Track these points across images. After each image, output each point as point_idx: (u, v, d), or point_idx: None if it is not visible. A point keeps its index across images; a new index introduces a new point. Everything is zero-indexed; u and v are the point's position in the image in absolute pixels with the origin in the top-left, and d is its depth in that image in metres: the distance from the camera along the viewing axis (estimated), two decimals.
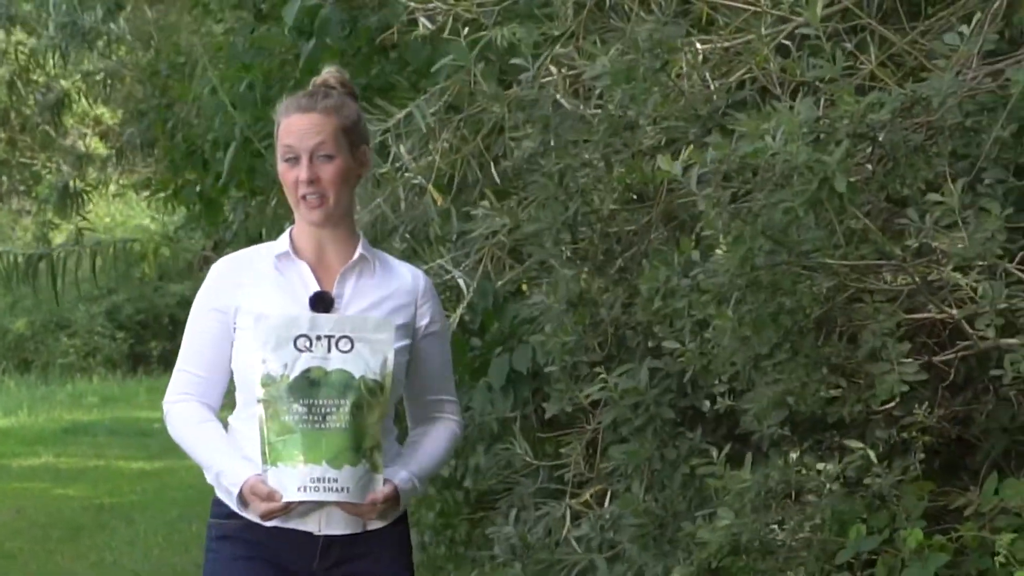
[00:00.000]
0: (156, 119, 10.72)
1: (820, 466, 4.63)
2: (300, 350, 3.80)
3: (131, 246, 10.01)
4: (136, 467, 15.80)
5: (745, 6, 4.64)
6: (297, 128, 3.90)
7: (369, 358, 3.82)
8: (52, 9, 10.30)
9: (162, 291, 28.30)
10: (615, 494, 5.48)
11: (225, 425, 4.00)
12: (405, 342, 3.95)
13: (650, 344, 5.19)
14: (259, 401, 3.79)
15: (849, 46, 4.36)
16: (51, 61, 12.48)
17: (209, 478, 3.96)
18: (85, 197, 14.73)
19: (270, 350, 3.80)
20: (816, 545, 4.65)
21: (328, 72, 4.05)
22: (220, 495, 3.95)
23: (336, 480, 3.74)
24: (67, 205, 13.29)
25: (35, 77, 18.80)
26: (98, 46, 10.65)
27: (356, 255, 3.97)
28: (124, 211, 29.25)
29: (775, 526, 4.66)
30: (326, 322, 3.83)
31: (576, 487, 5.67)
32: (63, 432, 19.73)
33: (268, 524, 3.85)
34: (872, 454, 4.57)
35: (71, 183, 13.33)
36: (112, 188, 27.12)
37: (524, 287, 5.29)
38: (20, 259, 8.90)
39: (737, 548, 4.74)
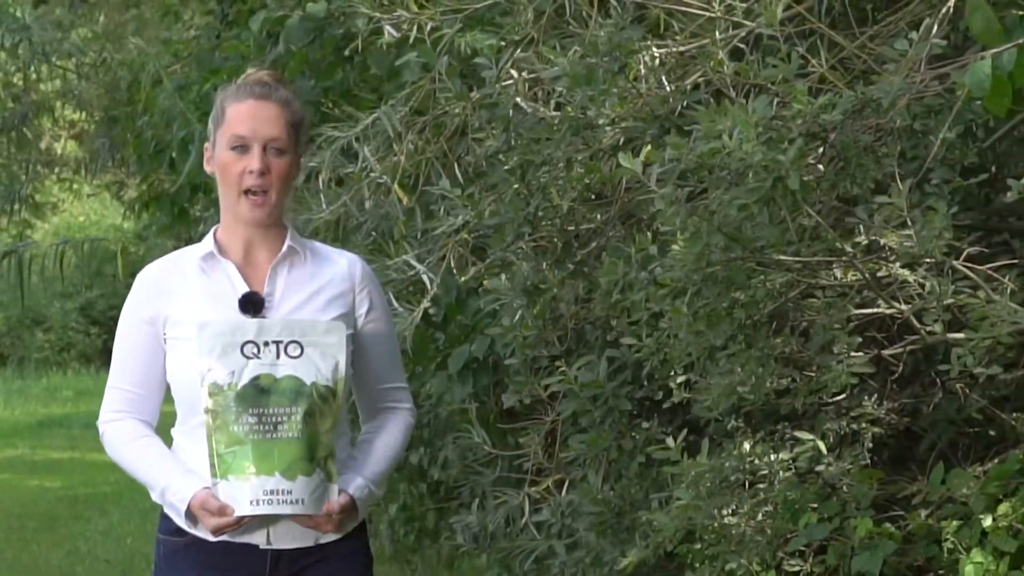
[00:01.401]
0: (126, 123, 10.65)
1: (772, 456, 4.61)
2: (248, 357, 3.51)
3: (101, 245, 9.94)
4: (110, 459, 15.68)
5: (699, 11, 4.62)
6: (252, 115, 3.61)
7: (320, 363, 3.55)
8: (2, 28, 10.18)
9: None
10: (573, 483, 5.46)
11: (168, 441, 3.72)
12: (347, 332, 3.64)
13: (608, 338, 5.18)
14: (206, 411, 3.50)
15: (800, 49, 4.33)
16: (16, 75, 12.40)
17: (154, 496, 3.70)
18: (32, 200, 14.64)
19: (216, 358, 3.51)
20: (769, 532, 4.63)
21: (264, 71, 3.76)
22: (167, 511, 3.69)
23: (290, 492, 3.48)
24: (12, 206, 13.18)
25: (14, 80, 18.70)
26: (52, 60, 10.56)
27: (284, 248, 3.67)
28: (99, 211, 29.13)
29: (729, 512, 4.64)
30: (273, 327, 3.55)
31: (535, 476, 5.65)
32: (38, 425, 19.67)
33: (216, 539, 3.58)
34: (822, 444, 4.56)
35: (22, 187, 13.24)
36: (86, 189, 27.05)
37: (486, 282, 5.25)
38: None
39: (692, 533, 4.73)
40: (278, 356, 3.53)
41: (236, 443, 3.49)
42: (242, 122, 3.61)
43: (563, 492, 5.48)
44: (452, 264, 5.31)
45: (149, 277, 3.72)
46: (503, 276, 5.13)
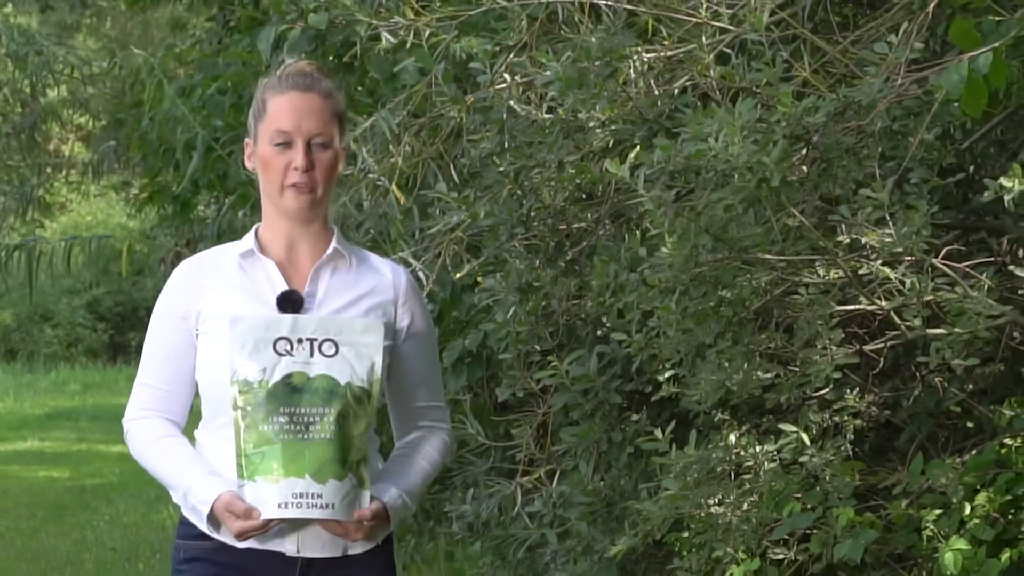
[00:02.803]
0: (132, 125, 10.64)
1: (758, 447, 4.60)
2: (280, 354, 3.24)
3: (107, 243, 9.92)
4: (116, 450, 15.68)
5: (687, 18, 4.62)
6: (295, 109, 3.33)
7: (355, 363, 3.27)
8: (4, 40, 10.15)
9: (140, 285, 28.10)
10: (564, 473, 5.46)
11: (192, 441, 3.44)
12: (386, 343, 3.35)
13: (599, 334, 5.18)
14: (234, 409, 3.23)
15: (784, 54, 4.33)
16: (24, 84, 12.36)
17: (176, 497, 3.39)
18: (44, 200, 14.61)
19: (247, 354, 3.24)
20: (754, 521, 4.63)
21: (303, 61, 3.48)
22: (187, 514, 3.39)
23: (320, 495, 3.19)
24: (27, 204, 13.16)
25: (20, 87, 18.67)
26: (60, 70, 10.53)
27: (329, 250, 3.40)
28: (105, 210, 29.09)
29: (715, 502, 4.63)
30: (308, 324, 3.28)
31: (527, 466, 5.64)
32: (47, 417, 19.63)
33: (242, 545, 3.29)
34: (806, 436, 4.55)
35: (31, 189, 13.22)
36: (93, 189, 27.01)
37: (480, 279, 5.25)
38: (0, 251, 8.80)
39: (680, 522, 4.72)
40: (312, 354, 3.27)
41: (265, 443, 3.21)
42: (285, 116, 3.34)
43: (554, 482, 5.48)
44: (447, 262, 5.30)
45: (184, 271, 3.45)
46: (497, 274, 5.12)
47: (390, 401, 3.54)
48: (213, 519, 3.29)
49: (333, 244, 3.42)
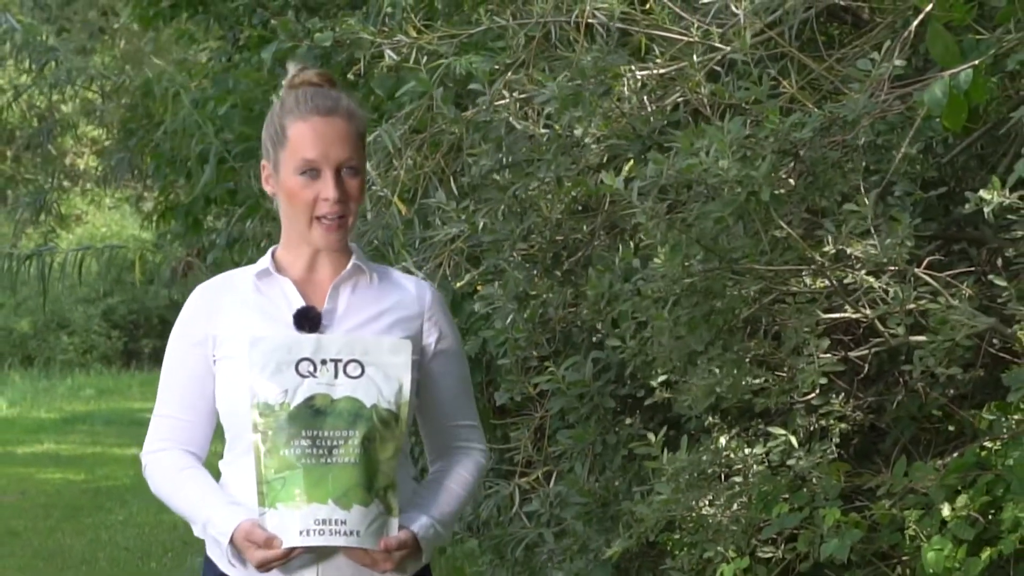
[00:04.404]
0: (144, 137, 10.62)
1: (747, 450, 4.60)
2: (303, 375, 2.98)
3: (120, 252, 9.92)
4: (129, 453, 15.69)
5: (678, 37, 4.62)
6: (320, 137, 3.03)
7: (382, 384, 3.01)
8: (27, 54, 10.13)
9: (153, 294, 28.12)
10: (561, 475, 5.45)
11: (216, 474, 3.18)
12: (413, 357, 3.09)
13: (594, 340, 5.17)
14: (255, 432, 2.97)
15: (772, 71, 4.33)
16: (40, 98, 12.34)
17: (196, 532, 3.13)
18: (57, 207, 14.59)
19: (268, 376, 2.98)
20: (743, 521, 4.62)
21: (312, 71, 3.16)
22: (210, 551, 3.12)
23: (344, 522, 2.92)
24: (39, 213, 13.16)
25: (36, 102, 18.67)
26: (76, 83, 10.50)
27: (349, 266, 3.14)
28: (119, 221, 29.09)
29: (706, 503, 4.62)
30: (332, 344, 3.02)
31: (525, 468, 5.63)
32: (63, 422, 19.60)
33: None
34: (794, 439, 4.55)
35: (45, 197, 13.22)
36: (108, 202, 27.02)
37: (479, 288, 5.25)
38: (14, 261, 8.80)
39: (672, 523, 4.72)
40: (336, 375, 3.00)
41: (286, 468, 2.94)
42: (310, 145, 3.04)
43: (551, 483, 5.46)
44: (448, 271, 5.29)
45: (199, 297, 3.19)
46: (496, 283, 5.12)
47: (421, 422, 3.28)
48: (235, 551, 3.02)
49: (353, 260, 3.15)
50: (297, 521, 2.92)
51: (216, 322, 3.12)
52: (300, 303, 3.10)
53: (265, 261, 3.17)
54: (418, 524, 3.05)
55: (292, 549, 2.94)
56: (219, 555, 3.07)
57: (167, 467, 3.17)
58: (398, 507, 3.01)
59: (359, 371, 3.02)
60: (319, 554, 2.99)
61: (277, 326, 3.08)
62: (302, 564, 3.00)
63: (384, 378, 3.02)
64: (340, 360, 3.02)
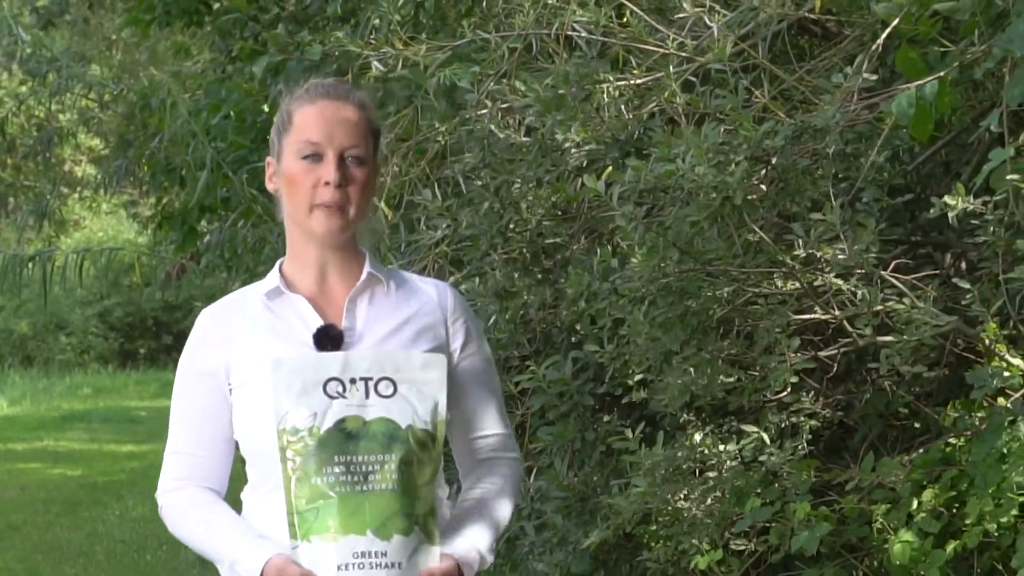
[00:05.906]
0: (141, 147, 10.60)
1: (721, 446, 4.59)
2: (331, 396, 2.68)
3: (116, 256, 9.88)
4: (126, 450, 15.66)
5: (655, 49, 4.62)
6: (326, 118, 2.79)
7: (417, 403, 2.72)
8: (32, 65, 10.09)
9: (148, 296, 28.06)
10: (541, 470, 5.44)
11: (238, 507, 2.90)
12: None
13: (573, 340, 5.17)
14: (283, 462, 2.67)
15: (745, 82, 4.33)
16: (40, 105, 12.28)
17: (223, 572, 2.83)
18: (59, 212, 14.55)
19: (294, 398, 2.67)
20: (717, 515, 4.62)
21: (332, 78, 2.98)
22: None
23: (385, 554, 2.64)
24: (42, 219, 13.13)
25: (35, 112, 18.62)
26: (75, 91, 10.46)
27: (364, 275, 2.86)
28: (115, 226, 29.03)
29: (681, 497, 4.62)
30: (361, 361, 2.72)
31: None
32: (61, 419, 19.54)
33: None
34: (766, 436, 4.54)
35: (48, 203, 13.18)
36: (105, 207, 26.97)
37: (463, 288, 5.24)
38: (17, 263, 8.77)
39: (648, 516, 4.71)
40: (367, 395, 2.71)
41: (319, 497, 2.65)
42: (314, 126, 2.79)
43: (532, 478, 5.46)
44: (433, 273, 5.28)
45: (206, 322, 2.89)
46: (476, 279, 5.11)
47: (450, 434, 2.95)
48: None
49: (367, 269, 2.88)
50: (334, 554, 2.64)
51: (228, 349, 2.84)
52: (318, 321, 2.82)
53: (273, 278, 2.89)
54: (461, 551, 2.79)
55: None
56: None
57: (186, 506, 2.90)
58: (439, 534, 2.76)
59: (391, 390, 2.73)
60: None
61: (295, 347, 2.79)
62: None
63: (418, 396, 2.74)
64: (370, 378, 2.73)
